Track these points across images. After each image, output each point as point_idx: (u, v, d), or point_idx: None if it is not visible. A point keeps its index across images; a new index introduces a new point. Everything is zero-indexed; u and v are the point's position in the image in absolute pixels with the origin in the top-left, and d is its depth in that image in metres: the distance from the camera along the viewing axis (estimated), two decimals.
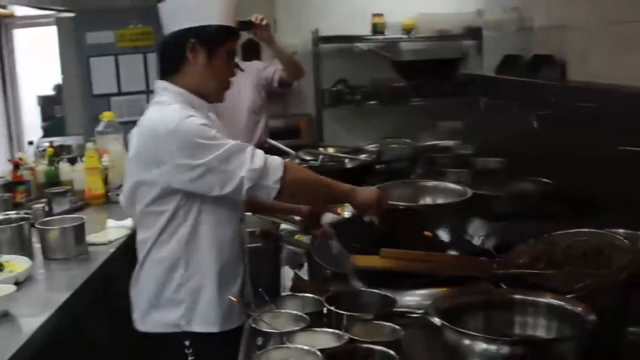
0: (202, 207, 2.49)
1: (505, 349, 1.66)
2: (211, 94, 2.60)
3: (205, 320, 2.53)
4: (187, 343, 2.53)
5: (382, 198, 2.58)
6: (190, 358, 2.54)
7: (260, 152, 2.43)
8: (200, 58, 2.50)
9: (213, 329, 2.53)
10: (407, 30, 6.33)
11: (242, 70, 4.95)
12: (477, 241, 2.68)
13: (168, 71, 2.56)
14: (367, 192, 2.58)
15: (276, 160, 2.43)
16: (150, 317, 2.58)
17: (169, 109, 2.45)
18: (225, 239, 2.55)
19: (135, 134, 2.51)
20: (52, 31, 6.73)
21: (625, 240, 2.13)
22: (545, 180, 3.46)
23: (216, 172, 2.35)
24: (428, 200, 3.10)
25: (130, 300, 2.66)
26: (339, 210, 2.78)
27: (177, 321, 2.53)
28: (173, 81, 2.54)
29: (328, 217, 2.69)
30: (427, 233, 2.73)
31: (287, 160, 2.53)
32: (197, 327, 2.53)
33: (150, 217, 2.53)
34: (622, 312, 1.98)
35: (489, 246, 2.58)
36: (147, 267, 2.58)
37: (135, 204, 2.55)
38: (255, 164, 2.36)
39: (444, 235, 2.75)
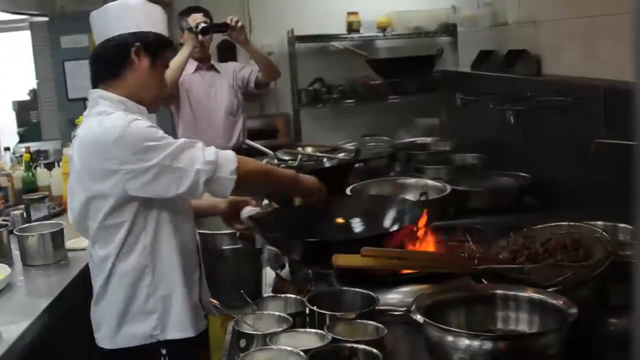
0: (160, 214, 2.47)
1: (488, 344, 1.67)
2: (150, 101, 2.58)
3: (179, 326, 2.52)
4: (163, 352, 2.52)
5: (323, 187, 2.62)
6: None
7: (211, 147, 2.41)
8: (144, 62, 2.51)
9: (189, 333, 2.54)
10: (382, 28, 6.35)
11: (218, 72, 4.99)
12: (389, 224, 2.70)
13: (106, 76, 2.53)
14: (310, 179, 2.62)
15: (228, 153, 2.43)
16: (121, 333, 2.53)
17: (110, 117, 2.40)
18: (185, 244, 2.55)
19: (76, 149, 2.46)
20: (26, 36, 6.69)
21: (604, 233, 2.14)
22: (523, 174, 3.48)
23: (169, 171, 2.33)
24: (407, 197, 3.10)
25: (91, 320, 2.61)
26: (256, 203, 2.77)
27: (151, 332, 2.51)
28: (110, 88, 2.51)
29: (246, 211, 2.67)
30: (339, 220, 2.76)
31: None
32: (173, 334, 2.52)
33: (108, 231, 2.47)
34: (603, 304, 1.99)
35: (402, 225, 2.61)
36: (113, 282, 2.52)
37: (88, 220, 2.48)
38: (208, 157, 2.35)
39: (356, 222, 2.76)
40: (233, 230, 2.89)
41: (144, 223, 2.45)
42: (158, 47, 2.54)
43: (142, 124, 2.37)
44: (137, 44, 2.48)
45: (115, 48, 2.50)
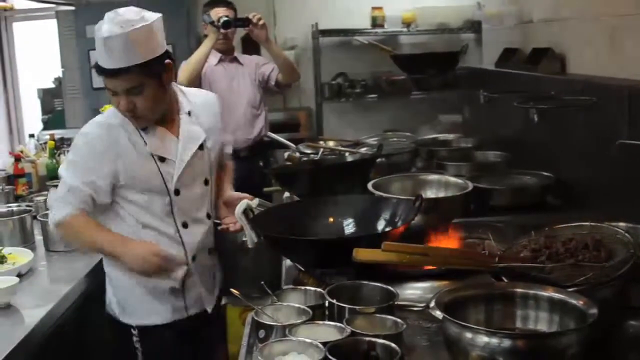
0: (127, 208, 2.81)
1: (507, 342, 1.66)
2: None
3: (138, 313, 2.88)
4: (134, 332, 2.89)
5: (156, 253, 2.71)
6: (136, 344, 2.89)
7: (61, 203, 2.74)
8: None
9: (148, 321, 2.87)
10: (407, 23, 6.32)
11: (241, 64, 4.98)
12: (380, 223, 2.70)
13: None
14: (137, 250, 2.73)
15: (56, 217, 2.74)
16: (107, 306, 2.95)
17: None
18: (147, 239, 2.79)
19: None
20: (52, 24, 6.72)
21: (626, 234, 2.13)
22: (545, 173, 3.47)
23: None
24: (429, 193, 3.10)
25: None
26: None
27: (119, 314, 2.90)
28: None
29: (241, 207, 2.67)
30: (330, 219, 2.77)
31: (72, 214, 2.74)
32: (132, 320, 2.88)
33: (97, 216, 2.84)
34: (623, 306, 1.99)
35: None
36: (104, 261, 2.94)
37: None
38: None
39: (347, 221, 2.77)
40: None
41: (116, 214, 2.81)
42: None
43: (86, 138, 2.78)
44: None
45: None
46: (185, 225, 2.85)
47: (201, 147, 2.88)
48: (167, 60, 2.73)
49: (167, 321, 2.88)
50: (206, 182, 2.92)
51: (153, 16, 2.68)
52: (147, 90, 2.67)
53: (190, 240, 2.87)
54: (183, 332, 2.92)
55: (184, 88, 3.04)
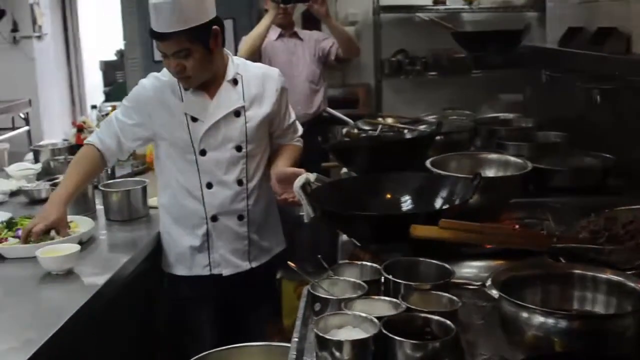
0: (165, 160, 3.08)
1: (563, 323, 1.65)
2: None
3: (170, 263, 3.16)
4: (165, 279, 3.20)
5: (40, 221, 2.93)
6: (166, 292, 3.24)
7: (96, 130, 3.23)
8: None
9: (169, 270, 3.16)
10: (469, 1, 6.25)
11: (301, 39, 4.99)
12: (437, 201, 2.66)
13: None
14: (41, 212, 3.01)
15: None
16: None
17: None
18: (181, 199, 3.06)
19: None
20: None
21: None
22: (606, 155, 3.41)
23: None
24: (488, 172, 3.07)
25: None
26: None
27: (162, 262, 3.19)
28: None
29: (299, 182, 2.65)
30: (388, 196, 2.75)
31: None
32: (168, 268, 3.17)
33: None
34: None
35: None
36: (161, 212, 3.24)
37: None
38: None
39: (404, 198, 2.74)
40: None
41: (162, 167, 3.10)
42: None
43: (140, 86, 3.07)
44: None
45: None
46: (209, 186, 3.03)
47: (237, 113, 3.00)
48: (215, 27, 2.86)
49: (190, 274, 3.12)
50: (238, 149, 3.01)
51: None
52: (194, 55, 2.83)
53: (211, 201, 3.04)
54: (207, 290, 3.13)
55: (243, 59, 3.17)
